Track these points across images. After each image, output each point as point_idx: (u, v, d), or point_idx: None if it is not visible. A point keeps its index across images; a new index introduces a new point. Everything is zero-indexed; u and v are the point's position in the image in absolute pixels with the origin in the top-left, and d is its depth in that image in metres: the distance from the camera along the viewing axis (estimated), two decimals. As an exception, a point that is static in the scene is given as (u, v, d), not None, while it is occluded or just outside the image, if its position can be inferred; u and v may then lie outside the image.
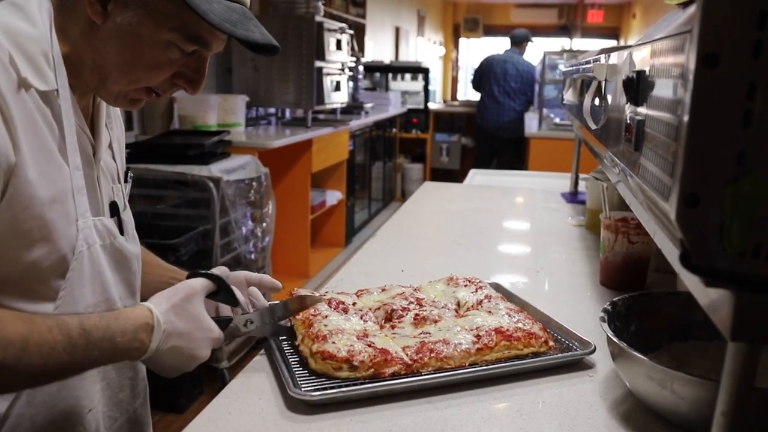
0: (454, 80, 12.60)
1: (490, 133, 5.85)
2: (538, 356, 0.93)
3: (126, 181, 0.98)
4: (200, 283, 0.86)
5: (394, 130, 6.32)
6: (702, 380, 0.70)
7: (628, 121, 0.69)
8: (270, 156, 3.35)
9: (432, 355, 0.88)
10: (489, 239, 1.68)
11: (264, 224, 3.27)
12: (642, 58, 0.68)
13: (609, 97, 0.97)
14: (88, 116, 0.88)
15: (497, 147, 5.93)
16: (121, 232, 0.91)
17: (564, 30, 11.65)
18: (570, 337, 1.00)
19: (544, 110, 4.44)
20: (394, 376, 0.86)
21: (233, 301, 0.92)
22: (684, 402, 0.72)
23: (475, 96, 6.34)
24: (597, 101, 1.05)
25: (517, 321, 0.97)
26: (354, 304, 1.07)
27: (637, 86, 0.66)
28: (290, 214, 3.81)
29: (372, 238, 1.61)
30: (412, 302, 1.05)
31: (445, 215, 1.95)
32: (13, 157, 0.72)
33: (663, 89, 0.57)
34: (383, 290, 1.13)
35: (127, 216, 0.94)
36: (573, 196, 2.16)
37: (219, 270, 0.94)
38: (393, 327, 0.99)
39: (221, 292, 0.89)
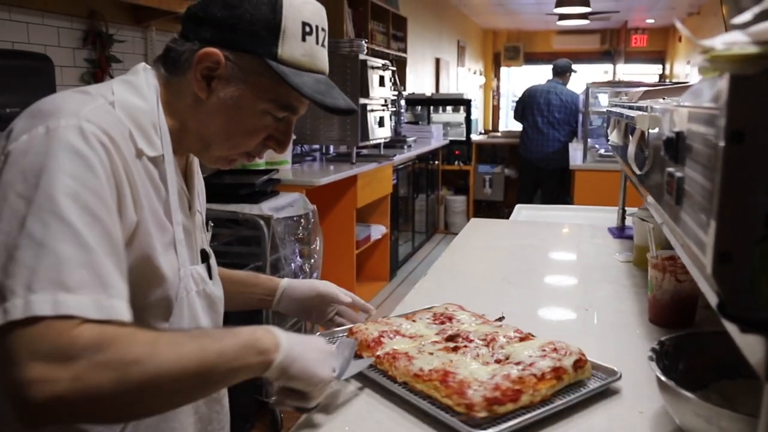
0: (495, 109, 12.67)
1: (533, 164, 5.86)
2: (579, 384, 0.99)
3: (207, 230, 1.09)
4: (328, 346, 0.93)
5: (436, 162, 6.39)
6: (746, 417, 0.73)
7: (670, 176, 0.74)
8: (316, 192, 3.47)
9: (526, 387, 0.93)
10: (537, 276, 1.73)
11: (312, 260, 3.36)
12: (680, 120, 0.73)
13: (651, 146, 1.02)
14: (183, 174, 0.99)
15: (541, 178, 5.93)
16: (210, 277, 1.01)
17: (607, 55, 11.62)
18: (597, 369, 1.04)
19: (589, 141, 4.45)
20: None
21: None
22: (731, 440, 0.76)
23: (517, 126, 6.36)
24: (640, 148, 1.10)
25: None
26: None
27: (677, 146, 0.72)
28: (336, 250, 3.90)
29: (423, 277, 1.67)
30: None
31: (493, 252, 1.99)
32: (135, 216, 0.82)
33: (698, 153, 0.63)
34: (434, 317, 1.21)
35: (213, 262, 1.04)
36: (620, 231, 2.18)
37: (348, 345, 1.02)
38: (457, 350, 1.04)
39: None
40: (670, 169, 0.75)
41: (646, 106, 1.05)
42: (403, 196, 5.36)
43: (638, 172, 1.11)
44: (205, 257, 1.01)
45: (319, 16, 0.95)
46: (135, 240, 0.83)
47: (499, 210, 6.70)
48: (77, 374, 0.65)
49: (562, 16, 7.49)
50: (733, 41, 0.51)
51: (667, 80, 10.12)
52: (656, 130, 0.99)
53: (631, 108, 1.33)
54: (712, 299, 0.68)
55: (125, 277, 0.76)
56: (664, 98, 1.24)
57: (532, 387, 0.93)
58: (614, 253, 1.95)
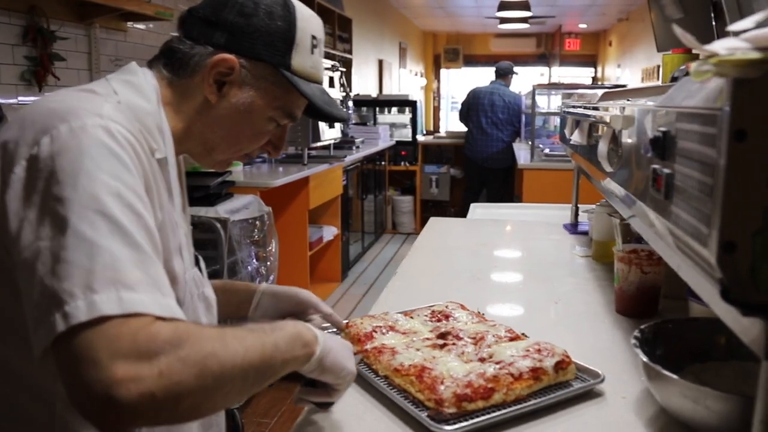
0: (436, 110, 12.84)
1: (479, 164, 5.99)
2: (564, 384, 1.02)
3: None
4: None
5: (383, 163, 6.44)
6: (733, 396, 0.79)
7: (657, 173, 0.79)
8: (269, 194, 3.44)
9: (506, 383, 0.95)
10: (503, 272, 1.78)
11: (268, 263, 3.33)
12: (667, 119, 0.78)
13: (624, 144, 1.08)
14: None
15: (486, 177, 6.06)
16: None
17: (542, 58, 11.99)
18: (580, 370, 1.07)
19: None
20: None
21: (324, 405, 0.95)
22: (715, 415, 0.81)
23: (460, 127, 6.49)
24: (612, 146, 1.16)
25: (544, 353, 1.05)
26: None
27: (664, 144, 0.77)
28: (289, 252, 3.88)
29: (394, 275, 1.69)
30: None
31: (457, 250, 2.04)
32: (159, 215, 0.81)
33: (691, 151, 0.68)
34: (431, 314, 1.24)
35: (202, 264, 1.03)
36: (574, 227, 2.27)
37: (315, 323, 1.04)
38: (444, 347, 1.06)
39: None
40: (656, 166, 0.80)
41: (619, 107, 1.11)
42: (352, 196, 5.38)
43: (609, 169, 1.17)
44: (196, 260, 1.01)
45: (321, 30, 0.99)
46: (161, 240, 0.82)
47: (445, 209, 6.81)
48: (162, 370, 0.63)
49: (504, 20, 7.68)
50: (734, 47, 0.56)
51: (599, 82, 10.51)
52: (629, 129, 1.05)
53: (595, 109, 1.39)
54: (700, 284, 0.73)
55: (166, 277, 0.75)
56: (628, 99, 1.30)
57: (507, 386, 0.95)
58: (571, 248, 2.03)
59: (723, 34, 2.60)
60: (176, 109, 0.92)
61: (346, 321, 1.18)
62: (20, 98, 2.51)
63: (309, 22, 0.95)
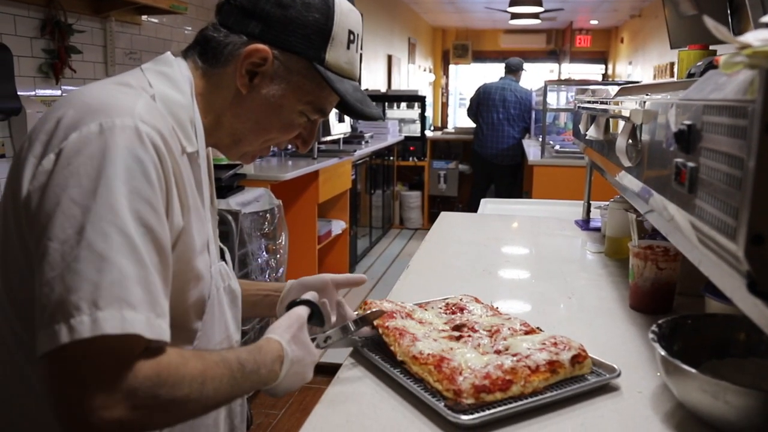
0: (444, 106, 12.82)
1: (488, 160, 5.96)
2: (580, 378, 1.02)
3: None
4: (305, 312, 0.97)
5: (392, 158, 6.43)
6: (753, 391, 0.79)
7: (681, 167, 0.79)
8: (279, 188, 3.45)
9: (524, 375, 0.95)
10: (517, 267, 1.78)
11: (278, 256, 3.34)
12: (693, 113, 0.78)
13: (644, 139, 1.07)
14: None
15: (494, 174, 6.04)
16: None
17: (553, 55, 11.94)
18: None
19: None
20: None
21: (322, 323, 1.02)
22: (735, 411, 0.81)
23: (469, 123, 6.46)
24: (630, 141, 1.15)
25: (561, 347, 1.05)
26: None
27: (689, 138, 0.77)
28: (299, 245, 3.89)
29: (406, 269, 1.69)
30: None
31: (469, 245, 2.04)
32: (182, 221, 0.81)
33: (719, 143, 0.67)
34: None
35: (227, 256, 1.03)
36: (586, 224, 2.26)
37: (310, 295, 1.04)
38: (460, 338, 1.07)
39: (314, 316, 1.00)
40: (680, 160, 0.80)
41: (639, 101, 1.10)
42: (360, 191, 5.38)
43: (628, 164, 1.16)
44: (222, 253, 1.00)
45: (360, 25, 0.96)
46: (179, 243, 0.81)
47: (453, 205, 6.80)
48: (135, 405, 0.68)
49: (515, 15, 7.64)
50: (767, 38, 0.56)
51: (610, 79, 10.46)
52: (650, 123, 1.05)
53: (613, 103, 1.39)
54: (722, 279, 0.73)
55: (169, 290, 0.76)
56: (647, 94, 1.30)
57: (524, 378, 0.95)
58: (583, 244, 2.03)
59: (740, 29, 2.59)
60: (208, 99, 0.91)
61: (365, 300, 1.19)
62: (38, 91, 2.52)
63: (347, 17, 0.92)
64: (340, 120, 4.48)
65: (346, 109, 0.95)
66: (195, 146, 0.87)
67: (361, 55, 1.00)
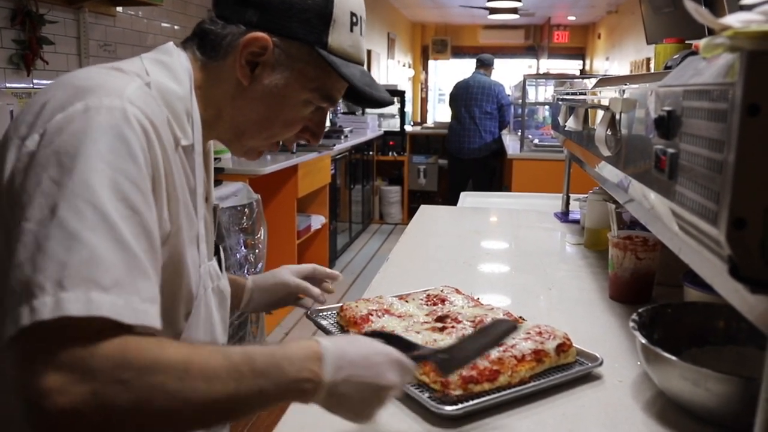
0: (423, 101, 12.83)
1: (464, 155, 5.97)
2: (566, 366, 1.02)
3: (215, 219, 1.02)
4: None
5: (371, 152, 6.42)
6: (734, 378, 0.79)
7: (661, 153, 0.78)
8: (258, 182, 3.41)
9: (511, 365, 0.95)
10: (497, 259, 1.78)
11: (256, 251, 3.31)
12: (672, 98, 0.77)
13: (623, 128, 1.07)
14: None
15: (471, 169, 6.04)
16: (221, 271, 0.96)
17: (531, 50, 12.00)
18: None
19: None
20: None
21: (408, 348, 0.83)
22: (715, 398, 0.81)
23: (448, 117, 6.46)
24: (609, 130, 1.15)
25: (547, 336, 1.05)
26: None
27: (668, 124, 0.76)
28: (278, 240, 3.86)
29: (386, 261, 1.68)
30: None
31: (449, 237, 2.03)
32: (170, 212, 0.77)
33: (699, 128, 0.67)
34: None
35: (222, 255, 1.00)
36: (565, 216, 2.27)
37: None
38: (444, 329, 1.05)
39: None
40: (659, 147, 0.79)
41: (618, 90, 1.10)
42: (340, 186, 5.36)
43: (607, 154, 1.16)
44: (217, 250, 0.97)
45: (362, 7, 0.93)
46: (170, 237, 0.78)
47: (433, 200, 6.79)
48: (96, 389, 0.60)
49: (493, 10, 7.66)
50: (749, 20, 0.55)
51: (587, 74, 10.54)
52: (629, 112, 1.04)
53: (592, 94, 1.39)
54: (703, 265, 0.73)
55: (159, 278, 0.70)
56: (626, 83, 1.29)
57: (511, 368, 0.95)
58: (563, 236, 2.03)
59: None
60: (208, 92, 0.87)
61: (340, 304, 1.16)
62: (8, 83, 2.46)
63: None
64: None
65: (354, 94, 0.91)
66: (190, 139, 0.83)
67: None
